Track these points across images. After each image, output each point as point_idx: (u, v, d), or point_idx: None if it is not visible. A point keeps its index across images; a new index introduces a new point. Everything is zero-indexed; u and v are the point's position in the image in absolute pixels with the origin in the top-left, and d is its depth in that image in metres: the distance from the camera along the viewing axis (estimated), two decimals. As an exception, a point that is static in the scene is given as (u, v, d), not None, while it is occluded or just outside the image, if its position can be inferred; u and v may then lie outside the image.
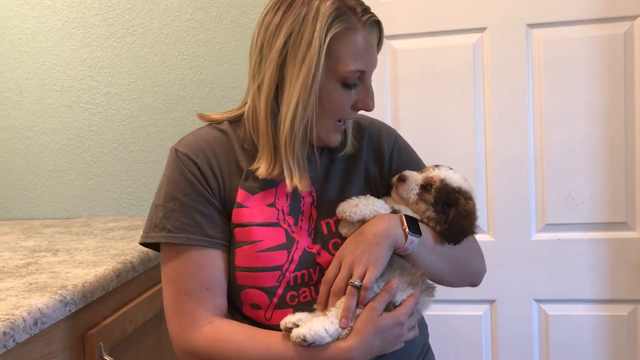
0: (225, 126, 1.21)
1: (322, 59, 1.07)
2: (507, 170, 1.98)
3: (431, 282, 1.18)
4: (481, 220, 2.00)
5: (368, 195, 1.17)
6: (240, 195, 1.14)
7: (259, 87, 1.12)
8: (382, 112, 2.01)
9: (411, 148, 1.33)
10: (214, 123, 1.22)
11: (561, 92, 1.93)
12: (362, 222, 1.12)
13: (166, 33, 2.15)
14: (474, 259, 1.26)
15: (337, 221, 1.17)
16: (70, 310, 1.20)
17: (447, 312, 2.02)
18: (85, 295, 1.25)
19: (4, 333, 0.99)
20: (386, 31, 2.00)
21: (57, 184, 2.26)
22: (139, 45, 2.17)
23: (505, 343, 2.03)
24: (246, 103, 1.17)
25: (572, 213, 1.96)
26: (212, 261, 1.13)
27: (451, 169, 1.19)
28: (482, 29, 1.96)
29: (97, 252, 1.57)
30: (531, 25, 1.93)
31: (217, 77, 2.13)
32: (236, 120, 1.21)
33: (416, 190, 1.15)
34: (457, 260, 1.20)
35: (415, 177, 1.16)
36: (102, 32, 2.18)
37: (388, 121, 2.02)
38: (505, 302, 2.02)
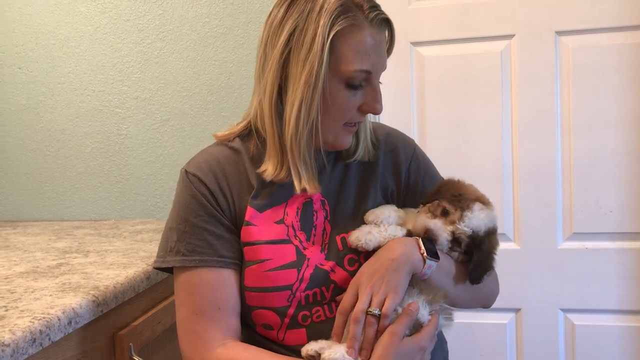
0: (236, 143, 1.18)
1: (325, 57, 1.02)
2: (534, 177, 1.96)
3: (448, 306, 1.14)
4: (507, 228, 1.99)
5: (385, 205, 1.14)
6: (249, 213, 1.11)
7: (265, 88, 1.08)
8: (408, 118, 2.02)
9: (429, 161, 1.28)
10: (224, 140, 1.19)
11: (590, 99, 1.92)
12: (378, 247, 1.09)
13: (195, 39, 2.18)
14: (489, 281, 1.22)
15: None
16: (102, 311, 1.22)
17: (471, 320, 2.01)
18: (116, 296, 1.27)
19: (40, 332, 1.02)
20: (413, 38, 2.02)
21: (86, 186, 2.30)
22: (169, 50, 2.20)
23: (530, 352, 2.01)
24: (254, 106, 1.14)
25: (599, 222, 1.94)
26: (225, 281, 1.10)
27: (481, 201, 1.11)
28: (510, 36, 1.96)
29: (126, 254, 1.60)
30: (560, 33, 1.92)
31: (245, 83, 2.15)
32: (247, 134, 1.18)
33: (448, 245, 1.09)
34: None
35: (442, 236, 1.08)
36: (133, 38, 2.22)
37: (414, 128, 2.02)
38: (530, 311, 2.00)
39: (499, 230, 1.99)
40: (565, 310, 1.98)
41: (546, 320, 1.99)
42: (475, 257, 1.09)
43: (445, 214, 1.09)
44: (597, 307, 1.96)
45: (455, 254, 1.12)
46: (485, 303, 1.26)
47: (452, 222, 1.08)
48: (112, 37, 2.24)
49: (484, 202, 1.12)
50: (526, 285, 1.98)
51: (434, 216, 1.09)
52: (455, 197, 1.10)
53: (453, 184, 1.15)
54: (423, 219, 1.09)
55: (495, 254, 1.13)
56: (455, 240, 1.09)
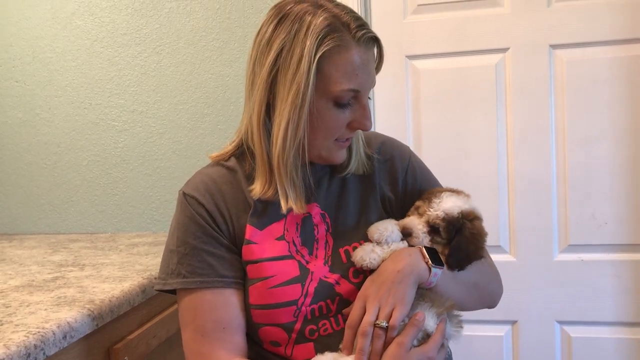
0: (232, 162, 1.18)
1: (312, 78, 1.02)
2: (530, 190, 1.97)
3: (457, 313, 1.15)
4: (503, 240, 1.99)
5: (387, 220, 1.15)
6: (249, 231, 1.12)
7: (253, 106, 1.08)
8: (404, 131, 2.03)
9: (426, 167, 1.29)
10: (221, 160, 1.19)
11: (584, 112, 1.93)
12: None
13: (192, 52, 2.20)
14: (492, 281, 1.24)
15: (356, 248, 1.13)
16: (97, 325, 1.22)
17: (468, 332, 1.98)
18: (112, 309, 1.27)
19: (35, 346, 1.02)
20: (409, 51, 2.03)
21: (83, 199, 2.30)
22: (166, 64, 2.21)
23: (527, 365, 2.01)
24: (244, 124, 1.14)
25: (595, 234, 1.95)
26: (227, 300, 1.10)
27: (452, 191, 1.15)
28: (505, 50, 1.97)
29: (122, 267, 1.60)
30: (554, 46, 1.94)
31: (242, 96, 2.13)
32: (242, 153, 1.18)
33: (427, 237, 1.11)
34: (476, 285, 1.18)
35: (417, 227, 1.11)
36: (130, 52, 2.23)
37: (410, 141, 2.03)
38: (527, 323, 2.00)
39: (495, 242, 1.99)
40: (561, 322, 1.98)
41: (542, 332, 1.99)
42: (455, 241, 1.10)
43: (417, 209, 1.14)
44: (593, 319, 1.96)
45: (440, 247, 1.11)
46: (490, 304, 1.27)
47: (423, 213, 1.12)
48: (109, 51, 2.25)
49: (454, 191, 1.16)
50: (522, 297, 1.98)
51: (408, 216, 1.15)
52: (427, 196, 1.15)
53: (429, 191, 1.19)
54: (401, 222, 1.14)
55: (480, 241, 1.13)
56: (433, 228, 1.11)
